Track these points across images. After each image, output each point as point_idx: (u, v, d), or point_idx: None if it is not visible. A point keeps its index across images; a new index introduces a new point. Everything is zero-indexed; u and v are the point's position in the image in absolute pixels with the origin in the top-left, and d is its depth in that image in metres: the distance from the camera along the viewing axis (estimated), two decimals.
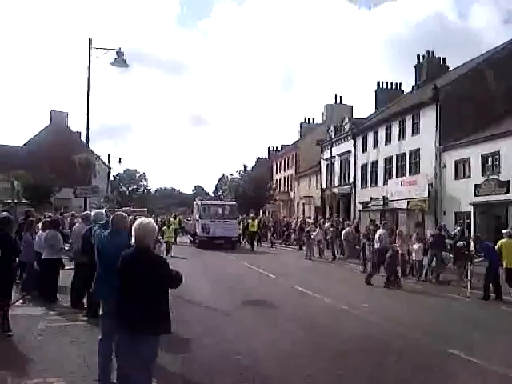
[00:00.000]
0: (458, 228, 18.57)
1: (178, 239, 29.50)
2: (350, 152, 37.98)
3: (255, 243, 27.98)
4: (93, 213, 7.37)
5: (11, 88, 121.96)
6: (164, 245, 18.62)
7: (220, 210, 28.61)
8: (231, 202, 32.38)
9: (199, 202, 29.22)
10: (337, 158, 39.81)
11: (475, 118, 24.38)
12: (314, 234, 22.44)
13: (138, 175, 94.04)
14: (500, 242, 12.48)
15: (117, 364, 4.51)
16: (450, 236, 17.50)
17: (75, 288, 8.92)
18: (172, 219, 29.87)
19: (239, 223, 29.98)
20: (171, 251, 21.14)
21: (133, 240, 4.29)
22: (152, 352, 4.18)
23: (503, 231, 13.62)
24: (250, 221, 29.40)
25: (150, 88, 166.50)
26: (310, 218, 36.01)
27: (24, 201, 25.84)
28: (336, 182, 39.86)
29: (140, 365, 4.14)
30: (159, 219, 31.42)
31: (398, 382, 5.73)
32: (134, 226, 4.30)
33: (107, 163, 53.93)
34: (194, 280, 12.69)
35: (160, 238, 16.21)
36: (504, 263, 12.03)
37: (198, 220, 26.89)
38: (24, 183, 29.54)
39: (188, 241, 30.92)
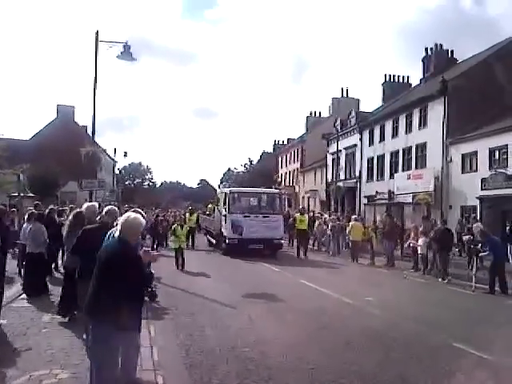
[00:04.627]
0: (470, 224, 18.38)
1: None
2: (356, 146, 37.88)
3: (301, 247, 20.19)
4: (84, 206, 7.28)
5: (18, 82, 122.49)
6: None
7: (257, 201, 21.43)
8: (273, 190, 24.30)
9: (227, 190, 20.85)
10: (343, 151, 39.69)
11: (483, 111, 24.17)
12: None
13: (142, 168, 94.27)
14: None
15: None
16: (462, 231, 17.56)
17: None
18: (188, 215, 22.70)
19: (284, 220, 21.35)
20: (184, 263, 14.90)
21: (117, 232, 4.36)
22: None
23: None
24: (297, 215, 21.60)
25: (157, 80, 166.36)
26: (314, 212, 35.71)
27: (30, 194, 26.00)
28: (341, 176, 39.78)
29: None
30: (171, 215, 26.50)
31: (402, 375, 5.70)
32: (121, 219, 4.40)
33: (113, 157, 54.06)
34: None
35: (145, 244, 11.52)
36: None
37: (224, 215, 19.50)
38: (30, 176, 29.75)
39: (207, 242, 23.76)
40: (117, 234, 4.34)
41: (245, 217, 19.09)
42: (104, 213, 6.25)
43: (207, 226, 24.21)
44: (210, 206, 29.46)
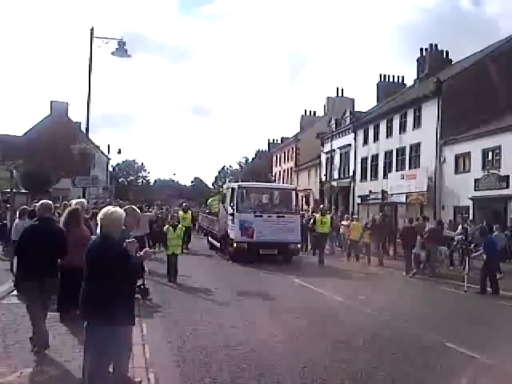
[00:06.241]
0: (465, 225, 18.40)
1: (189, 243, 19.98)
2: (350, 145, 37.95)
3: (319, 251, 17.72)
4: (73, 202, 7.16)
5: (12, 77, 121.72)
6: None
7: (269, 199, 19.08)
8: (288, 186, 21.38)
9: (235, 186, 17.82)
10: (337, 151, 39.79)
11: (477, 112, 24.25)
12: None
13: (136, 166, 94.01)
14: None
15: None
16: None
17: None
18: (181, 213, 19.87)
19: (302, 220, 18.89)
20: (177, 272, 12.00)
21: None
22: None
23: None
24: (317, 216, 18.80)
25: (152, 76, 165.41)
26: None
27: (22, 190, 25.81)
28: (335, 175, 39.88)
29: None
30: (158, 212, 22.29)
31: (393, 374, 5.71)
32: (99, 215, 4.38)
33: (107, 154, 53.86)
34: None
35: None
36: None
37: (231, 214, 16.76)
38: (23, 173, 29.53)
39: (208, 245, 20.99)
40: (98, 230, 4.31)
41: (256, 216, 16.44)
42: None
43: (209, 226, 21.21)
44: (211, 200, 23.51)
